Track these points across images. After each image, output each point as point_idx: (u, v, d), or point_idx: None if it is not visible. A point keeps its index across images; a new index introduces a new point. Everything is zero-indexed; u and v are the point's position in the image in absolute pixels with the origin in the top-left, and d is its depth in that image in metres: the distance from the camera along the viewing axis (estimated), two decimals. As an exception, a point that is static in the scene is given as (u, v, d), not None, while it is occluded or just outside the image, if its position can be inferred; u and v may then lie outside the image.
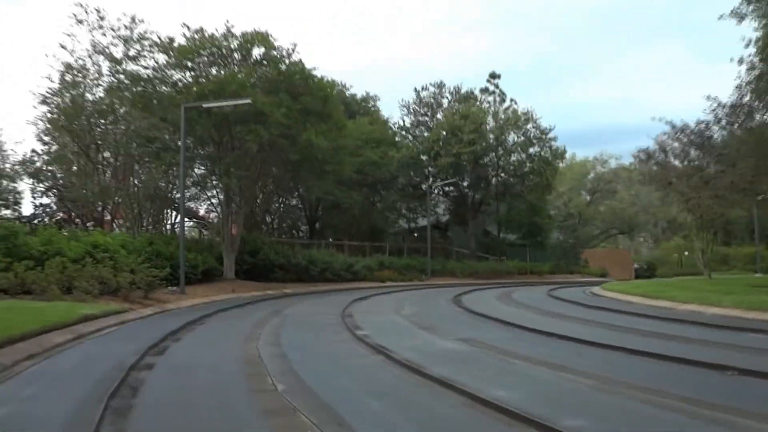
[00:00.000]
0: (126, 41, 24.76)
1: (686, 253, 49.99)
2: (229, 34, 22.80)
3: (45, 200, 31.09)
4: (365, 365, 7.64)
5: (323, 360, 8.03)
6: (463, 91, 42.12)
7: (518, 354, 8.35)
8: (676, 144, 23.09)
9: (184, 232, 22.16)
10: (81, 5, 25.03)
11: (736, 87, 18.77)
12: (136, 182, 28.96)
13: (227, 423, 5.01)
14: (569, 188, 56.48)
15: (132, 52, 24.40)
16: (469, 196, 41.16)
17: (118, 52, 24.75)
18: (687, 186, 22.94)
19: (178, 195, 23.89)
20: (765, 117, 18.83)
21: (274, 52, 22.91)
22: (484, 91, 42.13)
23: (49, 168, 30.63)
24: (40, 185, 30.75)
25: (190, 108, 20.03)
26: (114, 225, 28.62)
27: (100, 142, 28.00)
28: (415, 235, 42.48)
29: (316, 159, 23.96)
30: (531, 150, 39.62)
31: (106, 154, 28.88)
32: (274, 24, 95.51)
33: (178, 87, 22.70)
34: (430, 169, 39.39)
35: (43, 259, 15.40)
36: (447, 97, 42.14)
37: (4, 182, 29.84)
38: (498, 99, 41.73)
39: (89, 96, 27.09)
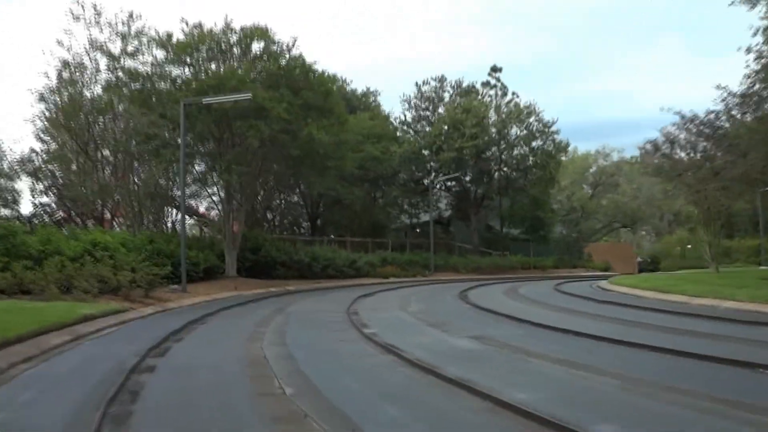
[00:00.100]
0: (123, 37, 24.35)
1: (689, 246, 49.74)
2: (228, 28, 22.47)
3: (44, 199, 30.77)
4: (376, 365, 7.33)
5: (331, 360, 7.72)
6: (464, 85, 41.74)
7: (533, 351, 8.06)
8: (683, 135, 22.75)
9: (185, 229, 21.86)
10: (78, 2, 24.68)
11: (745, 76, 18.44)
12: (135, 180, 28.63)
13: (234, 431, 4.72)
14: (571, 182, 56.10)
15: (130, 48, 24.03)
16: (472, 190, 40.81)
17: (115, 48, 24.38)
18: (694, 178, 22.60)
19: (179, 192, 23.58)
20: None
21: (274, 47, 22.59)
22: (486, 84, 41.73)
23: (49, 167, 30.28)
24: (40, 184, 30.42)
25: (190, 104, 19.72)
26: (114, 223, 28.29)
27: (99, 141, 27.64)
28: (417, 230, 42.16)
29: (317, 154, 23.65)
30: (534, 143, 39.24)
31: (106, 152, 28.53)
32: (274, 24, 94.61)
33: (177, 83, 22.38)
34: (432, 164, 39.03)
35: (41, 258, 15.15)
36: (448, 91, 41.75)
37: (2, 181, 29.50)
38: (500, 92, 41.36)
39: (87, 93, 26.75)
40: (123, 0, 30.78)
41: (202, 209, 33.90)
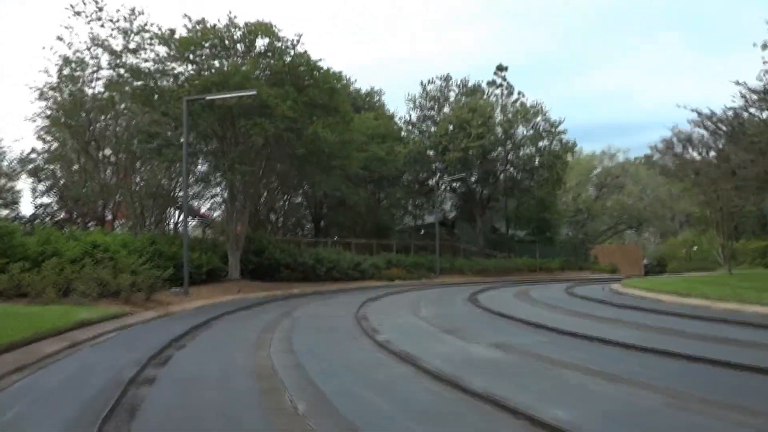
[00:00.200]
0: (125, 33, 23.78)
1: (695, 248, 49.13)
2: (231, 24, 21.94)
3: (46, 200, 30.32)
4: (394, 377, 6.78)
5: (345, 371, 7.18)
6: (470, 84, 41.21)
7: (560, 361, 7.52)
8: (698, 132, 22.20)
9: (188, 231, 21.34)
10: (78, -4, 24.11)
11: (764, 72, 17.91)
12: (137, 180, 28.15)
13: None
14: (576, 183, 55.48)
15: (132, 45, 23.46)
16: (477, 191, 40.21)
17: (117, 44, 23.83)
18: (709, 177, 22.04)
19: (181, 193, 23.08)
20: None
21: (279, 43, 22.06)
22: (492, 84, 41.20)
23: (50, 167, 29.84)
24: (41, 184, 29.97)
25: (193, 101, 19.19)
26: (116, 224, 27.79)
27: (100, 140, 27.14)
28: (422, 232, 41.57)
29: (322, 153, 23.13)
30: (540, 144, 38.58)
31: (107, 151, 28.04)
32: (275, 23, 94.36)
33: (179, 80, 21.86)
34: (437, 164, 38.44)
35: (39, 260, 14.65)
36: (454, 90, 41.19)
37: (2, 180, 29.07)
38: (506, 92, 40.79)
39: (88, 90, 26.24)
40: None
41: (204, 210, 33.48)
